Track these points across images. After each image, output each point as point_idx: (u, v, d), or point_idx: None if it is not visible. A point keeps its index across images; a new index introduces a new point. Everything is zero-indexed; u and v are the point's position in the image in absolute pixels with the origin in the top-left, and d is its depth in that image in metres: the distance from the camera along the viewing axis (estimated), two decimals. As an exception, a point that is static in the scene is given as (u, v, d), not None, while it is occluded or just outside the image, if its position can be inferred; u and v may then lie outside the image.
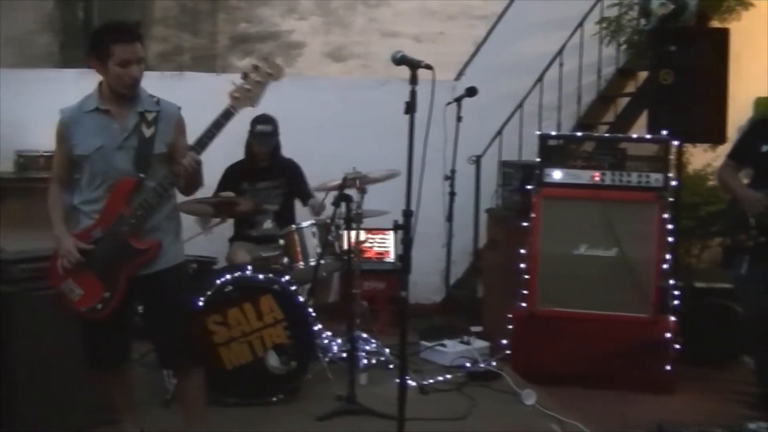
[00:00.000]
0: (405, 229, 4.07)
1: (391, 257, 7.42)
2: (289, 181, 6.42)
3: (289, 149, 6.45)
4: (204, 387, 4.34)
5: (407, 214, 4.07)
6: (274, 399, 5.32)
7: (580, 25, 7.55)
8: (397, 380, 5.54)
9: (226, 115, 3.85)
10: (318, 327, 5.75)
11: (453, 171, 6.62)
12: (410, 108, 4.05)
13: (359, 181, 5.78)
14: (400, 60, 4.12)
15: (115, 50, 3.85)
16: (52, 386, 4.64)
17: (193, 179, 3.97)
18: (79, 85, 7.31)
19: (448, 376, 5.89)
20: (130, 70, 3.88)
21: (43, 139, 7.24)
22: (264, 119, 6.16)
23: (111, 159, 3.93)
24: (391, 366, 5.92)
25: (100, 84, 4.02)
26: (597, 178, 5.96)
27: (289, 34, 10.19)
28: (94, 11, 10.08)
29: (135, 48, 3.89)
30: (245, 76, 3.82)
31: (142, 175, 3.93)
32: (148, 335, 4.24)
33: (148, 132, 3.96)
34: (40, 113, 7.27)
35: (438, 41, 9.61)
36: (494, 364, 6.01)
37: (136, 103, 4.01)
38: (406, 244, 4.06)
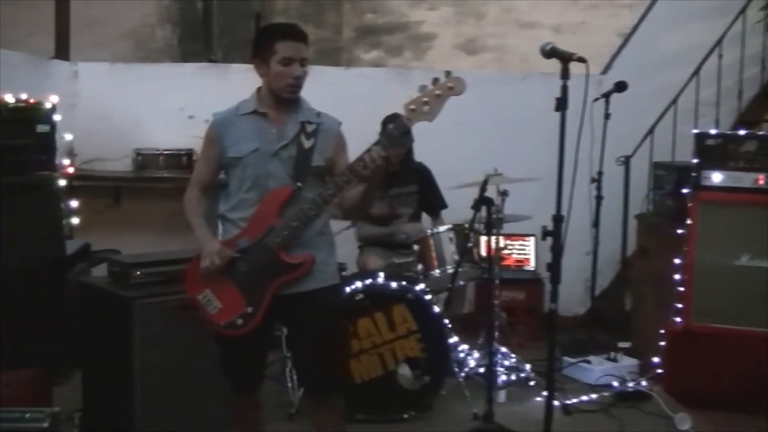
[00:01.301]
0: (555, 235, 4.03)
1: (531, 265, 7.39)
2: (421, 188, 6.42)
3: (421, 149, 6.45)
4: (342, 418, 4.34)
5: (557, 219, 4.03)
6: (406, 416, 5.38)
7: (743, 11, 7.36)
8: (538, 398, 5.60)
9: (400, 128, 3.79)
10: (453, 339, 5.76)
11: (600, 173, 6.53)
12: (561, 105, 4.01)
13: (500, 184, 5.76)
14: (551, 52, 4.09)
15: (279, 47, 3.91)
16: (172, 395, 4.78)
17: (374, 179, 3.92)
18: (198, 80, 7.69)
19: (594, 396, 5.84)
20: (292, 69, 3.92)
21: (162, 137, 7.48)
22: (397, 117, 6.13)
23: (265, 164, 3.95)
24: (532, 383, 5.91)
25: (259, 89, 4.08)
26: (762, 182, 5.79)
27: (419, 25, 10.23)
28: (213, 3, 10.28)
29: (299, 47, 3.95)
30: (423, 88, 3.75)
31: (299, 184, 3.93)
32: (292, 356, 4.31)
33: (307, 143, 3.98)
34: (159, 109, 7.58)
35: (579, 32, 9.55)
36: (644, 383, 5.93)
37: (297, 111, 4.04)
38: (555, 252, 4.02)
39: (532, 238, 7.36)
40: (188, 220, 4.11)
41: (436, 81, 3.75)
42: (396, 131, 3.79)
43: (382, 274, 5.53)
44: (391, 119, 6.05)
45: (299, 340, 4.13)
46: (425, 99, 3.73)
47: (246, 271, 3.94)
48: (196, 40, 10.13)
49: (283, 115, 4.03)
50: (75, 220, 6.39)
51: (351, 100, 6.66)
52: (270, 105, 4.03)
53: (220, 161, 4.09)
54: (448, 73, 3.76)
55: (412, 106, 3.73)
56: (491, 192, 5.62)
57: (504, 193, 5.90)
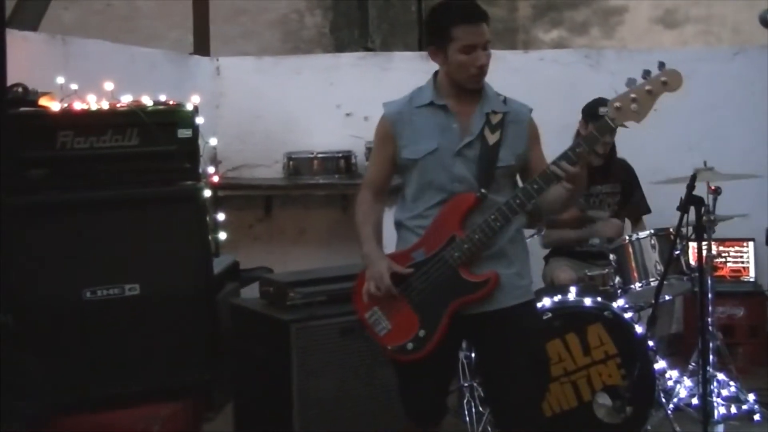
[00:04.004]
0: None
1: (751, 275, 7.20)
2: (624, 188, 6.34)
3: (616, 142, 6.38)
4: None
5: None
6: (605, 454, 5.31)
7: None
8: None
9: (603, 129, 3.75)
10: (660, 365, 5.67)
11: (832, 164, 6.35)
12: (789, 82, 3.90)
13: (712, 180, 5.65)
14: (773, 19, 3.99)
15: (457, 33, 3.85)
16: (335, 429, 4.87)
17: (579, 183, 3.86)
18: (356, 72, 7.79)
19: (834, 433, 5.66)
20: (474, 57, 3.87)
21: (317, 138, 7.59)
22: (605, 102, 5.98)
23: (448, 166, 3.93)
24: (757, 417, 5.76)
25: (436, 75, 4.06)
26: None
27: (608, -3, 10.14)
28: (368, -15, 10.39)
29: (481, 30, 3.87)
30: (632, 83, 3.70)
31: (483, 190, 3.89)
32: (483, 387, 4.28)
33: (492, 138, 3.93)
34: (313, 107, 7.70)
35: (802, -6, 9.24)
36: None
37: (482, 100, 4.00)
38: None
39: (750, 243, 7.16)
40: (356, 228, 4.13)
41: (647, 74, 3.68)
42: (598, 134, 3.75)
43: (573, 290, 5.48)
44: (600, 102, 5.97)
45: (491, 366, 4.07)
46: (633, 96, 3.68)
47: (421, 289, 3.93)
48: (351, 27, 10.28)
49: (467, 105, 3.98)
50: (222, 235, 6.51)
51: (533, 89, 6.58)
52: (450, 95, 4.00)
53: (394, 162, 4.08)
54: (661, 65, 3.69)
55: (618, 104, 3.68)
56: (700, 190, 5.51)
57: (716, 192, 5.77)
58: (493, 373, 4.10)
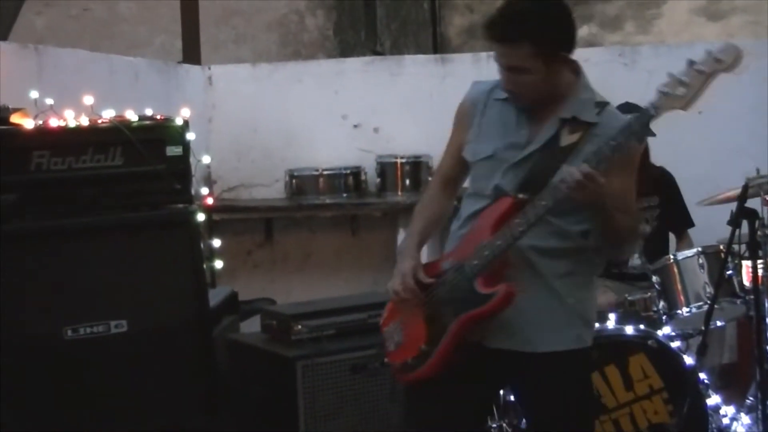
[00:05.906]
0: None
1: (810, 295, 7.15)
2: (663, 200, 6.29)
3: (653, 146, 6.35)
4: None
5: None
6: (653, 500, 5.27)
7: None
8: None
9: (643, 119, 3.52)
10: (713, 399, 5.63)
11: None
12: None
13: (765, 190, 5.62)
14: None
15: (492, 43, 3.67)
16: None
17: (593, 196, 3.61)
18: (363, 78, 7.79)
19: None
20: (503, 74, 3.71)
21: (322, 153, 7.59)
22: (633, 108, 5.97)
23: (496, 175, 3.76)
24: (826, 456, 5.70)
25: None
26: None
27: (643, -12, 10.13)
28: (374, -17, 10.39)
29: (502, 51, 3.63)
30: (691, 63, 3.47)
31: (521, 195, 3.67)
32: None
33: (561, 150, 3.67)
34: (316, 119, 7.70)
35: None
36: None
37: (565, 102, 3.76)
38: None
39: (810, 260, 7.11)
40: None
41: (709, 54, 3.46)
42: (636, 124, 3.54)
43: (612, 316, 5.45)
44: (626, 109, 5.90)
45: (533, 418, 4.01)
46: (682, 78, 3.48)
47: (437, 300, 3.80)
48: (357, 28, 10.28)
49: (544, 108, 3.76)
50: (218, 263, 6.49)
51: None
52: None
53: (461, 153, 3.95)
54: (724, 44, 3.49)
55: (666, 89, 3.48)
56: (753, 201, 5.48)
57: (771, 202, 5.74)
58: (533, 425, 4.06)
